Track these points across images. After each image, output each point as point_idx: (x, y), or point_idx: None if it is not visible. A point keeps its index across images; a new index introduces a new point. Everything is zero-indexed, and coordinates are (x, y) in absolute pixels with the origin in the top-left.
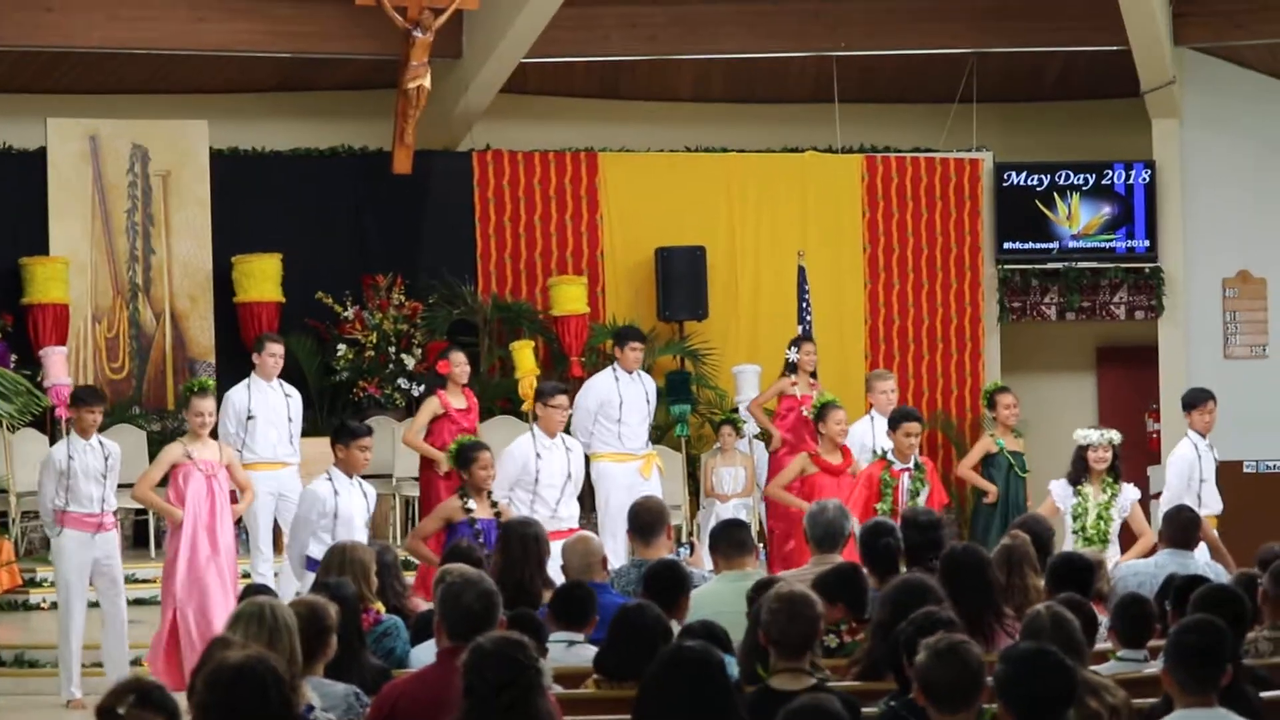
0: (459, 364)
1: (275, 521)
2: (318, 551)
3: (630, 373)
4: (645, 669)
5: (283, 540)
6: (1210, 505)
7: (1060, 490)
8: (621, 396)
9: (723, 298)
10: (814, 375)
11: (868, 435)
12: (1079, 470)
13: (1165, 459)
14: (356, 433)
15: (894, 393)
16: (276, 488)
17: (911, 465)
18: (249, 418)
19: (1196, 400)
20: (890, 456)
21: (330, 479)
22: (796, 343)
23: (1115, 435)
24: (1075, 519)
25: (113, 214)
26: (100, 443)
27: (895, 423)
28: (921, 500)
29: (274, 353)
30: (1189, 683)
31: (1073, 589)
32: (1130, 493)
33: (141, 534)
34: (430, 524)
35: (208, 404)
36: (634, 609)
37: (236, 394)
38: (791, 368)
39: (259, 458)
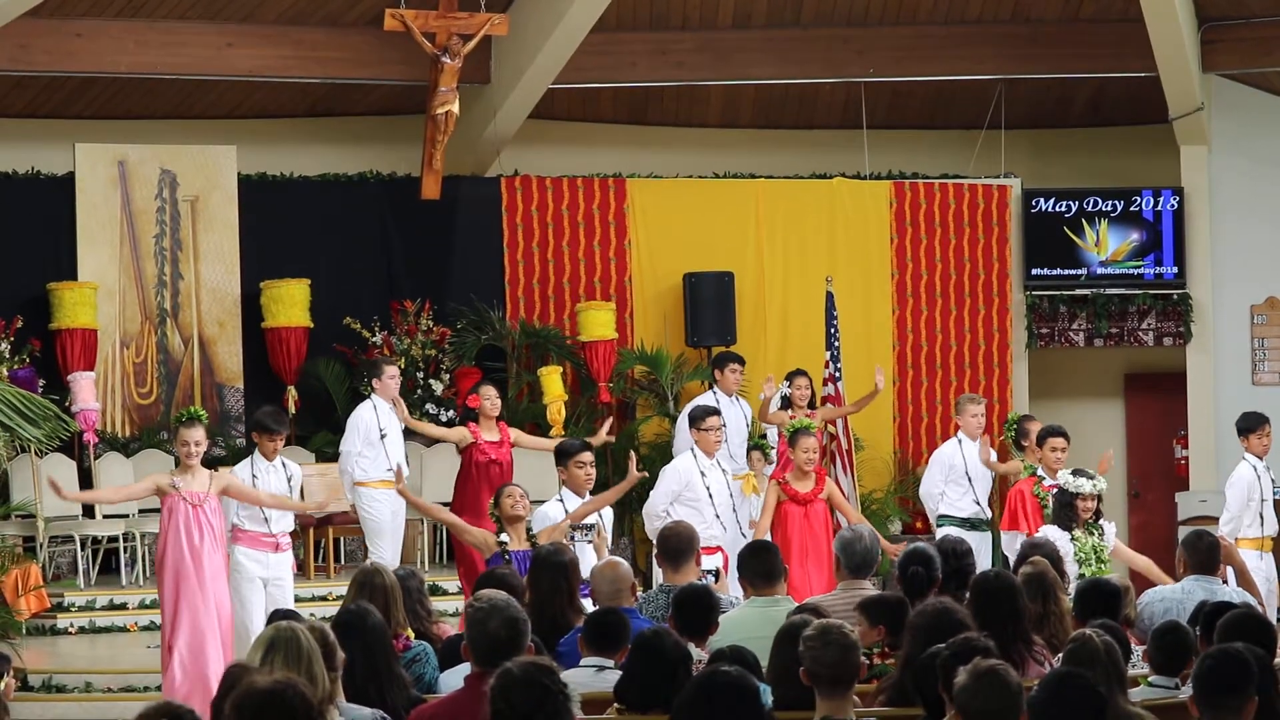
0: (488, 398)
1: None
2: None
3: (730, 395)
4: (667, 696)
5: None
6: (1269, 526)
7: (1057, 536)
8: (724, 418)
9: (751, 323)
10: (811, 405)
11: (956, 457)
12: (1069, 517)
13: (1193, 485)
14: (567, 450)
15: (983, 417)
16: (398, 505)
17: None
18: (381, 436)
19: (1253, 424)
20: (1040, 472)
21: (561, 500)
22: (790, 376)
23: (1103, 484)
24: (1081, 564)
25: (141, 239)
26: (283, 464)
27: (1042, 438)
28: None
29: (393, 375)
30: (1207, 711)
31: (1102, 614)
32: (1110, 528)
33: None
34: (468, 536)
35: (195, 433)
36: (651, 636)
37: (364, 412)
38: (786, 402)
39: (384, 476)
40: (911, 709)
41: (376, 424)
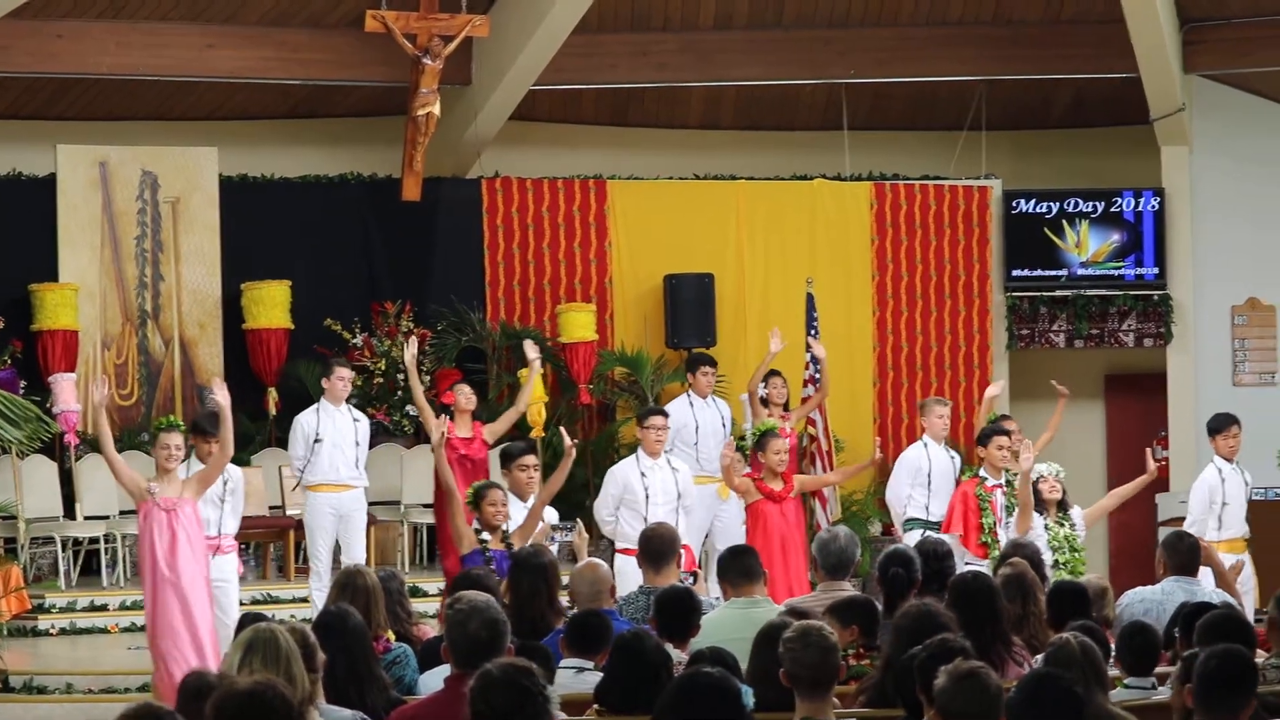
0: (462, 393)
1: (337, 542)
2: None
3: (704, 397)
4: (649, 698)
5: (342, 560)
6: (1231, 529)
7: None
8: (697, 421)
9: (731, 325)
10: (786, 407)
11: (921, 460)
12: (1038, 503)
13: (1173, 486)
14: (509, 453)
15: (948, 419)
16: (339, 509)
17: (1004, 482)
18: (315, 440)
19: (1220, 425)
20: (983, 472)
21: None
22: (766, 377)
23: (1058, 468)
24: (1055, 551)
25: (122, 240)
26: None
27: (986, 437)
28: (1015, 517)
29: (342, 376)
30: (1204, 709)
31: (1072, 616)
32: (1077, 515)
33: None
34: (458, 520)
35: (173, 438)
36: (632, 638)
37: (305, 417)
38: (763, 401)
39: (323, 479)
40: (892, 710)
41: (315, 428)
